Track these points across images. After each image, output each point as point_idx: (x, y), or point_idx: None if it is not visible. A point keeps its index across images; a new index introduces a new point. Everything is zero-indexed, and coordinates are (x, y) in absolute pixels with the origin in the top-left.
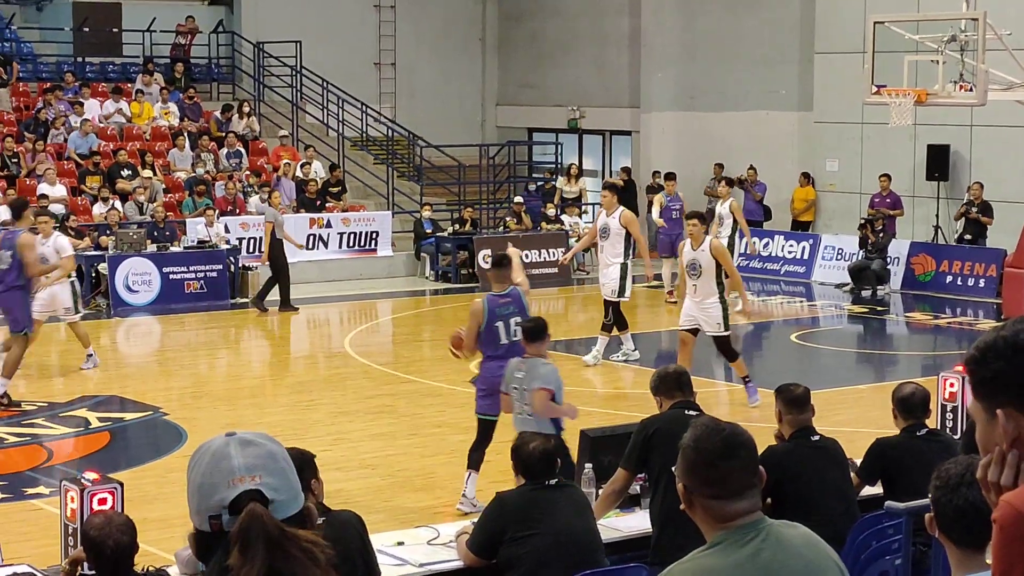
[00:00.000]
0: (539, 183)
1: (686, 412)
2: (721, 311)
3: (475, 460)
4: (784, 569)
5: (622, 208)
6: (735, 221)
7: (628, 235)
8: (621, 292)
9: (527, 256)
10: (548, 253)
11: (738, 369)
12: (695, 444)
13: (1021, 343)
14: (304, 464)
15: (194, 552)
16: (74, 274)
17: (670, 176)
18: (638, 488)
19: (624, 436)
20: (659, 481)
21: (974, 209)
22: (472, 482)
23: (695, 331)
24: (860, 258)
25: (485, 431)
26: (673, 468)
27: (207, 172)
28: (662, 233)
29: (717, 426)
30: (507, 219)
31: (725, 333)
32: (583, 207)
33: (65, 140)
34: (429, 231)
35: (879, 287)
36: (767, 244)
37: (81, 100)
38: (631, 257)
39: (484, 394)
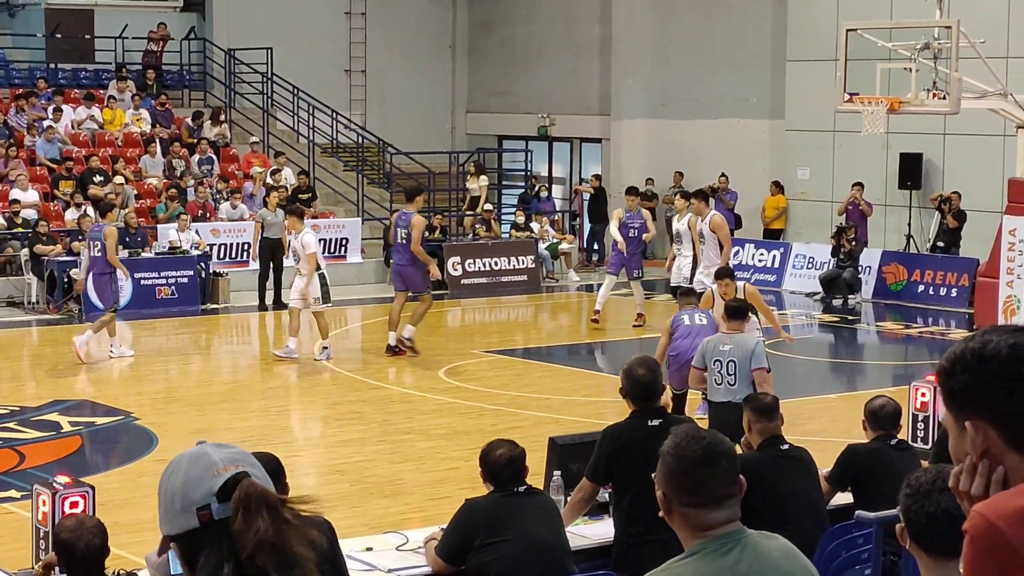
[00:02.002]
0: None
1: (649, 423)
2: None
3: None
4: None
5: (713, 212)
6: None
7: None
8: None
9: (496, 264)
10: (517, 261)
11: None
12: (675, 451)
13: (988, 355)
14: (280, 467)
15: (180, 557)
16: (323, 266)
17: (631, 190)
18: (607, 496)
19: (592, 444)
20: (625, 493)
21: (946, 206)
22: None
23: None
24: (831, 267)
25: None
26: (633, 481)
27: (194, 179)
28: (615, 251)
29: (698, 434)
30: (476, 226)
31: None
32: (490, 208)
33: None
34: None
35: (850, 296)
36: (737, 252)
37: (60, 107)
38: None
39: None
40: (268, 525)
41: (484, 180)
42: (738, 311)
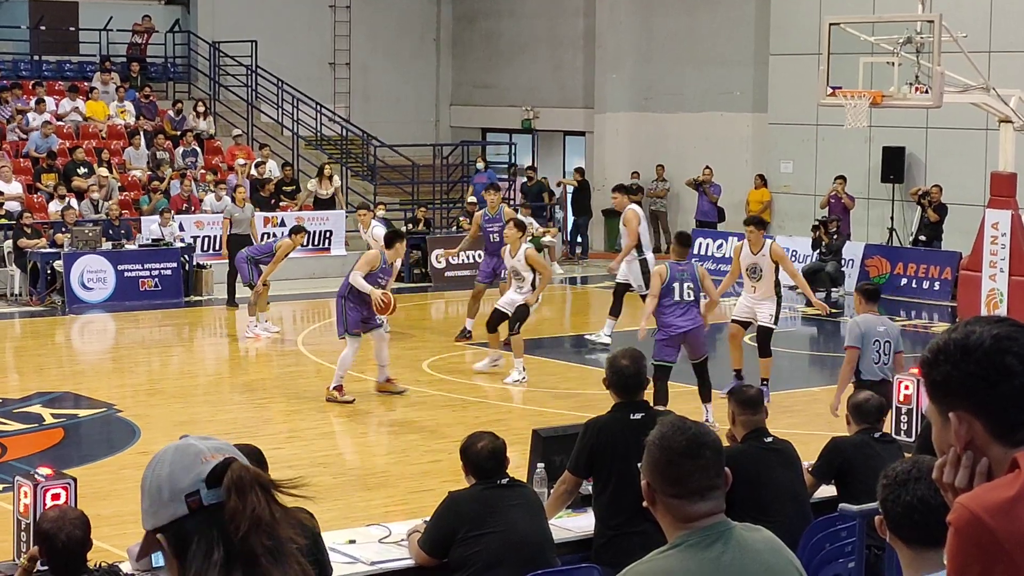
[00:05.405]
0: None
1: (631, 416)
2: (776, 305)
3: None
4: (745, 573)
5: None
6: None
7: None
8: None
9: (480, 257)
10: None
11: (764, 368)
12: (660, 441)
13: (971, 346)
14: (262, 459)
15: (168, 547)
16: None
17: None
18: (589, 488)
19: (575, 437)
20: (606, 486)
21: (925, 200)
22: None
23: (747, 324)
24: (814, 260)
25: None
26: (614, 474)
27: (173, 171)
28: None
29: (683, 425)
30: (460, 219)
31: (773, 326)
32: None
33: (19, 138)
34: None
35: (833, 289)
36: (721, 245)
37: (44, 98)
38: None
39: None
40: (264, 504)
41: (336, 182)
42: (874, 294)
